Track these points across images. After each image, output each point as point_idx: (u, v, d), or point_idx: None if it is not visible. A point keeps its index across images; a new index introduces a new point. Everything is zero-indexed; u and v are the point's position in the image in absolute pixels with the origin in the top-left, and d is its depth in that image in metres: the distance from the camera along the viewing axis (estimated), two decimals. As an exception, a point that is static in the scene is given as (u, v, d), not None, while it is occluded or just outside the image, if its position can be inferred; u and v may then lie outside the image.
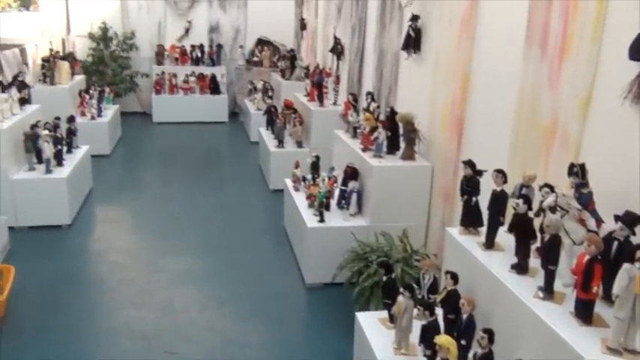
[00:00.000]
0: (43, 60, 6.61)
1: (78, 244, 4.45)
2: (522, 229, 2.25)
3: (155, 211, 5.17)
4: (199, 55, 8.72)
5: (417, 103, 3.98)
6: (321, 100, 5.75)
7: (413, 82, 4.17)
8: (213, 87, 8.54)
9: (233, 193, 5.71)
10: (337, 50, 5.95)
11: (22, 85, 5.10)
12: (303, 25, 7.83)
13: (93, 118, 6.55)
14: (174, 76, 8.49)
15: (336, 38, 5.98)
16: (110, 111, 7.02)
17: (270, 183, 5.71)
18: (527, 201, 2.27)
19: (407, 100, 4.27)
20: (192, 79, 8.46)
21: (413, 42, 3.99)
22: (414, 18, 3.95)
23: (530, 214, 2.28)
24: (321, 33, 6.99)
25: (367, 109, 4.28)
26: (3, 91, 4.65)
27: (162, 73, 8.44)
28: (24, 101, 5.07)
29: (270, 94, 7.51)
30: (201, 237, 4.64)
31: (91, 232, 4.72)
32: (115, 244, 4.48)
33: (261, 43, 8.81)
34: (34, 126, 4.65)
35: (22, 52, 6.22)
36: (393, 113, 3.89)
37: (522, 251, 2.24)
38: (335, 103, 5.78)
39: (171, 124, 8.34)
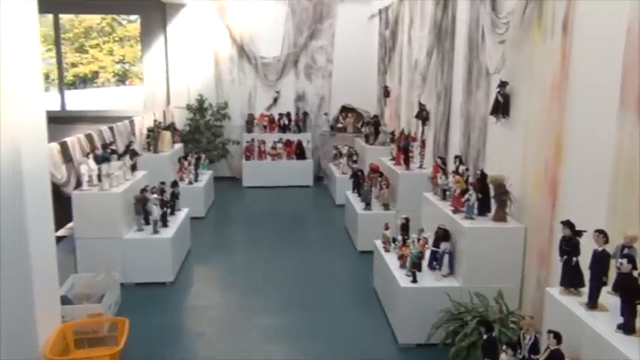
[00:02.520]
0: (149, 130, 7.23)
1: (180, 300, 4.73)
2: (628, 289, 2.25)
3: (247, 270, 5.41)
4: (286, 122, 9.20)
5: (507, 165, 4.05)
6: (407, 163, 5.91)
7: (502, 145, 4.26)
8: (299, 152, 8.94)
9: (320, 254, 5.88)
10: (422, 116, 6.15)
11: (133, 154, 5.60)
12: (386, 93, 8.13)
13: (190, 182, 7.02)
14: (263, 142, 8.98)
15: (421, 104, 6.20)
16: (205, 176, 7.50)
17: (358, 245, 5.85)
18: (632, 260, 2.28)
19: (496, 163, 4.34)
20: (279, 145, 8.91)
21: (502, 107, 4.11)
22: (503, 84, 4.09)
23: (635, 273, 2.28)
24: (405, 100, 7.24)
25: (456, 172, 4.39)
26: (118, 159, 5.14)
27: (252, 140, 8.95)
28: (134, 167, 5.54)
29: (354, 158, 7.77)
30: (292, 295, 4.80)
31: (191, 290, 5.00)
32: (212, 301, 4.74)
33: (345, 110, 9.20)
34: (143, 190, 5.07)
35: (131, 123, 6.85)
36: (483, 176, 3.98)
37: (628, 311, 2.23)
38: (421, 167, 5.91)
39: (260, 188, 8.75)
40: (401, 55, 7.45)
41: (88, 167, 4.84)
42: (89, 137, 5.36)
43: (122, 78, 24.18)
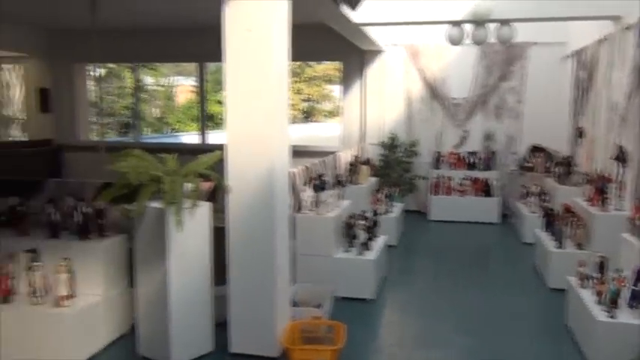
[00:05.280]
0: (350, 164, 8.07)
1: (379, 315, 5.31)
2: None
3: (435, 296, 5.83)
4: (474, 160, 9.51)
5: None
6: (603, 205, 5.92)
7: None
8: (486, 190, 9.18)
9: (508, 288, 6.08)
10: (621, 157, 6.12)
11: (340, 184, 6.39)
12: (580, 134, 8.09)
13: (384, 213, 7.67)
14: (450, 179, 9.40)
15: (619, 146, 6.17)
16: (397, 208, 8.11)
17: (549, 282, 5.96)
18: None
19: None
20: (466, 182, 9.24)
21: None
22: None
23: None
24: (601, 141, 7.18)
25: (659, 214, 4.42)
26: (330, 189, 5.95)
27: (439, 176, 9.42)
28: (340, 197, 6.32)
29: (544, 197, 7.83)
30: (480, 323, 5.10)
31: (388, 307, 5.57)
32: (408, 319, 5.28)
33: (535, 149, 9.26)
34: (351, 216, 5.80)
35: (335, 157, 7.74)
36: (689, 219, 4.00)
37: None
38: (618, 209, 5.88)
39: (445, 222, 9.16)
40: (597, 97, 7.42)
41: (307, 194, 5.71)
42: (307, 168, 6.27)
43: (307, 115, 26.28)
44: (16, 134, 12.60)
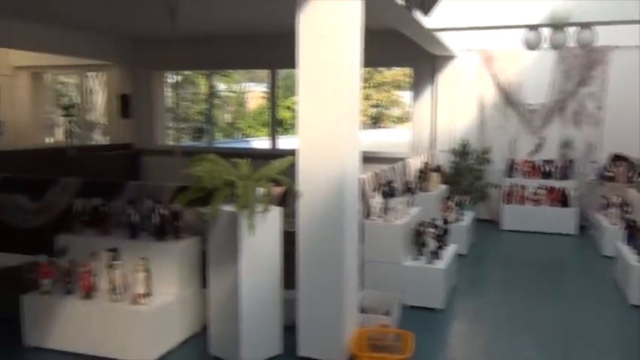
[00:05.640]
0: (420, 171, 7.97)
1: (449, 325, 5.21)
2: None
3: (507, 308, 5.65)
4: (550, 169, 9.16)
5: None
6: (693, 218, 5.56)
7: None
8: (563, 200, 8.81)
9: (584, 304, 5.78)
10: None
11: (410, 191, 6.32)
12: (667, 142, 7.64)
13: (454, 221, 7.52)
14: (524, 187, 9.09)
15: None
16: (467, 216, 7.92)
17: (631, 298, 5.65)
18: None
19: None
20: (541, 191, 8.92)
21: None
22: None
23: None
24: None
25: None
26: (399, 195, 5.90)
27: (513, 184, 9.13)
28: (409, 204, 6.25)
29: (626, 209, 7.43)
30: (556, 336, 4.89)
31: (458, 318, 5.45)
32: (478, 331, 5.14)
33: (617, 158, 8.81)
34: (420, 224, 5.72)
35: (405, 164, 7.67)
36: None
37: None
38: None
39: (519, 232, 8.87)
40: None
41: (376, 200, 5.69)
42: (376, 175, 6.24)
43: (376, 121, 26.22)
44: (98, 138, 13.32)
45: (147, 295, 4.29)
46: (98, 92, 13.44)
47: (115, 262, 4.31)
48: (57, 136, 13.18)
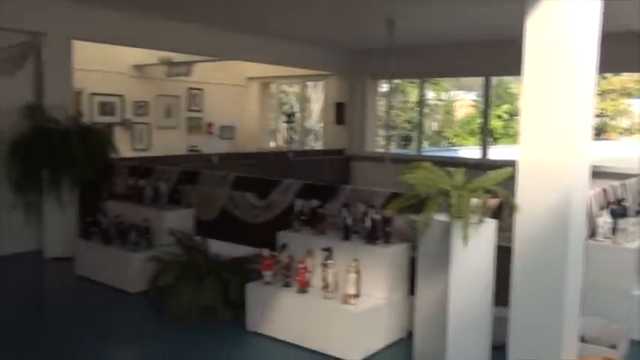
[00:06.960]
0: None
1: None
2: None
3: None
4: None
5: None
6: None
7: None
8: None
9: None
10: None
11: (645, 212, 5.59)
12: None
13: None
14: None
15: None
16: None
17: None
18: None
19: None
20: None
21: None
22: None
23: None
24: None
25: None
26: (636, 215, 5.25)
27: None
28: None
29: None
30: None
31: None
32: None
33: None
34: (657, 249, 5.02)
35: None
36: None
37: None
38: None
39: None
40: None
41: (603, 220, 5.14)
42: (605, 191, 5.65)
43: (598, 132, 23.75)
44: (312, 143, 14.23)
45: (356, 295, 4.44)
46: (315, 100, 14.38)
47: (329, 262, 4.53)
48: (278, 141, 14.38)
